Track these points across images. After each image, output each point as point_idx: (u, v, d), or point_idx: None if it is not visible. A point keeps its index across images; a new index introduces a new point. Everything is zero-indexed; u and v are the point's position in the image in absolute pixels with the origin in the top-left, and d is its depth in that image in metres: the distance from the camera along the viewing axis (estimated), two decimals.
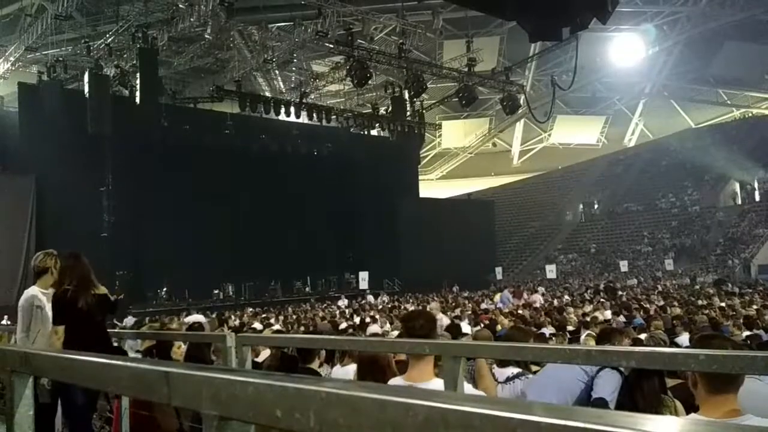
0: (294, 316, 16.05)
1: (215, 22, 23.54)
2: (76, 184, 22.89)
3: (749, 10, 35.38)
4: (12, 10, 27.58)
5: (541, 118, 35.74)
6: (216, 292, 26.94)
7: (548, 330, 8.38)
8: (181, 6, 21.86)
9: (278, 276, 28.37)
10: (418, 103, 33.12)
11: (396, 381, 3.10)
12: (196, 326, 7.56)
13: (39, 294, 4.51)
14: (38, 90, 24.81)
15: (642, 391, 3.14)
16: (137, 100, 23.44)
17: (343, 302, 21.81)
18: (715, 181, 40.23)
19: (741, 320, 8.84)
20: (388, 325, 10.75)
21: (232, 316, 17.59)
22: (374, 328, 10.03)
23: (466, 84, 28.92)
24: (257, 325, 11.10)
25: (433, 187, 53.65)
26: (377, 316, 13.26)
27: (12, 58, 24.62)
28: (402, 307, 17.79)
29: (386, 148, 34.11)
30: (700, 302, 14.01)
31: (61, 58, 25.17)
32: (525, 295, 20.51)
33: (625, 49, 41.54)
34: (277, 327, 11.52)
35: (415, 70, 27.24)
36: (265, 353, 6.01)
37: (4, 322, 17.77)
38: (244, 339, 4.00)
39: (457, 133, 53.14)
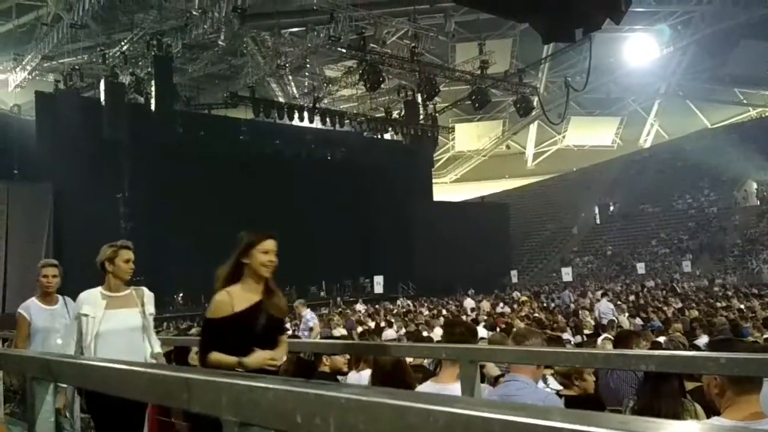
0: None
1: (228, 29, 23.72)
2: (92, 191, 23.13)
3: (765, 7, 35.00)
4: (28, 20, 27.96)
5: (555, 119, 35.62)
6: None
7: (567, 335, 8.33)
8: (194, 13, 22.06)
9: (293, 281, 28.37)
10: (431, 106, 33.10)
11: (425, 385, 3.38)
12: None
13: (98, 297, 3.60)
14: (55, 98, 25.09)
15: (661, 395, 3.11)
16: (152, 107, 23.65)
17: (361, 307, 21.78)
18: (732, 182, 39.80)
19: (761, 322, 8.74)
20: (403, 329, 10.74)
21: None
22: (390, 333, 10.05)
23: (479, 86, 28.87)
24: None
25: (447, 190, 53.55)
26: (392, 320, 13.25)
27: (29, 67, 24.96)
28: (417, 311, 17.76)
29: (400, 151, 34.13)
30: (718, 304, 13.85)
31: (77, 67, 25.44)
32: (590, 295, 20.67)
33: (639, 50, 41.26)
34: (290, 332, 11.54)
35: (428, 73, 27.24)
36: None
37: None
38: None
39: (470, 136, 53.02)
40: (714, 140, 43.68)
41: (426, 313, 16.64)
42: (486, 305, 18.38)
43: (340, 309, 21.37)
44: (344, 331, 10.34)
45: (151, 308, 3.74)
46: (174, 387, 1.05)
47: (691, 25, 38.34)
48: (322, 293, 29.58)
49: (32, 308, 4.36)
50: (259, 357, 2.83)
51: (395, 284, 30.09)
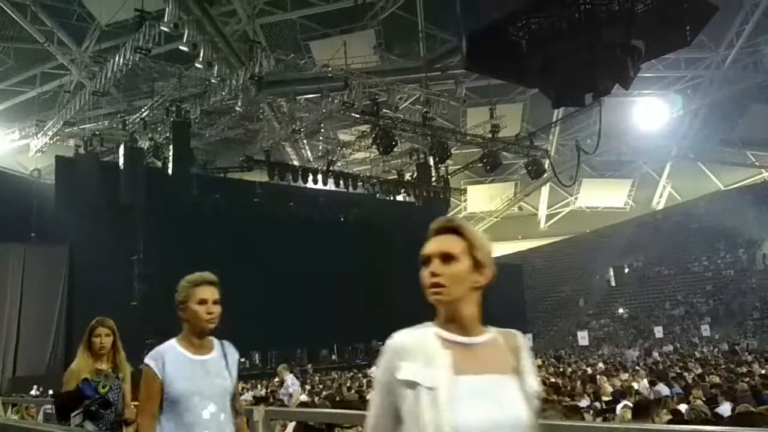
0: (320, 386, 15.84)
1: (246, 96, 24.33)
2: (108, 253, 23.30)
3: None
4: (52, 87, 28.93)
5: (567, 181, 35.73)
6: (242, 360, 26.75)
7: (584, 401, 8.12)
8: (213, 81, 22.71)
9: (304, 344, 28.14)
10: (443, 168, 33.43)
11: None
12: None
13: (434, 346, 1.61)
14: (75, 163, 25.63)
15: None
16: (170, 170, 24.08)
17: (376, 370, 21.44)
18: (748, 244, 39.44)
19: None
20: None
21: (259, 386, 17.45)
22: None
23: (490, 150, 29.22)
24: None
25: None
26: None
27: (50, 133, 25.61)
28: None
29: (412, 213, 34.22)
30: (739, 369, 13.50)
31: (97, 132, 26.12)
32: (654, 354, 22.89)
33: (649, 113, 41.69)
34: (303, 397, 11.36)
35: (440, 137, 27.67)
36: (292, 425, 5.91)
37: (33, 392, 17.82)
38: (272, 413, 3.96)
39: (482, 198, 53.24)
40: (728, 202, 43.55)
41: None
42: None
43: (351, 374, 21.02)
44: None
45: (534, 380, 1.62)
46: None
47: (701, 89, 38.82)
48: (334, 356, 29.20)
49: (169, 357, 2.64)
50: None
51: None
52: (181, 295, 2.74)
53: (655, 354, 22.63)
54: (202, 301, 2.69)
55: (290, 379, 11.14)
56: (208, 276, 2.79)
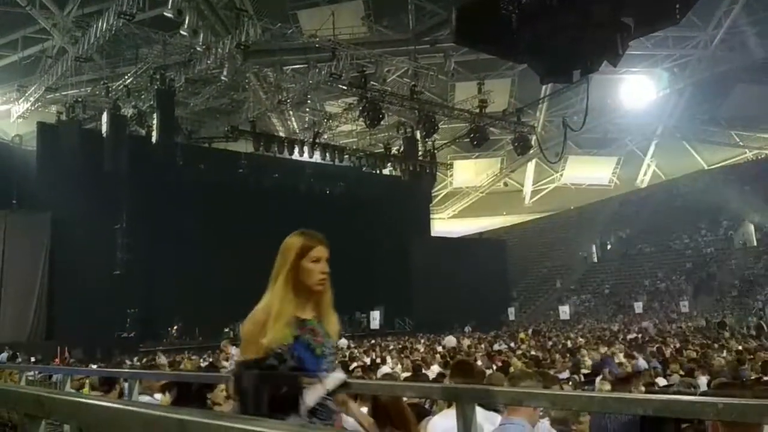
0: None
1: (231, 65, 24.01)
2: (91, 221, 23.12)
3: (759, 53, 35.60)
4: (34, 52, 28.30)
5: (553, 158, 35.80)
6: (227, 330, 26.80)
7: (564, 374, 8.25)
8: (198, 49, 22.35)
9: None
10: (430, 142, 33.33)
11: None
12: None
13: None
14: (57, 129, 25.25)
15: None
16: (153, 139, 23.81)
17: (344, 342, 21.58)
18: (729, 223, 39.89)
19: (759, 365, 8.67)
20: (399, 366, 10.64)
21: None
22: (385, 370, 9.94)
23: (477, 124, 29.14)
24: None
25: (444, 225, 53.56)
26: (388, 357, 13.15)
27: (32, 98, 25.16)
28: (413, 347, 17.59)
29: (398, 186, 34.23)
30: (716, 345, 13.76)
31: (80, 99, 25.68)
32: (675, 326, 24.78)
33: (636, 91, 41.71)
34: None
35: (427, 111, 27.54)
36: None
37: (17, 360, 17.79)
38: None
39: (468, 172, 53.28)
40: (711, 181, 43.93)
41: (422, 349, 16.49)
42: (466, 342, 18.51)
43: None
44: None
45: None
46: (169, 429, 1.04)
47: (688, 68, 38.86)
48: None
49: None
50: None
51: (392, 320, 29.86)
52: None
53: (674, 326, 25.01)
54: None
55: (236, 352, 11.17)
56: None
